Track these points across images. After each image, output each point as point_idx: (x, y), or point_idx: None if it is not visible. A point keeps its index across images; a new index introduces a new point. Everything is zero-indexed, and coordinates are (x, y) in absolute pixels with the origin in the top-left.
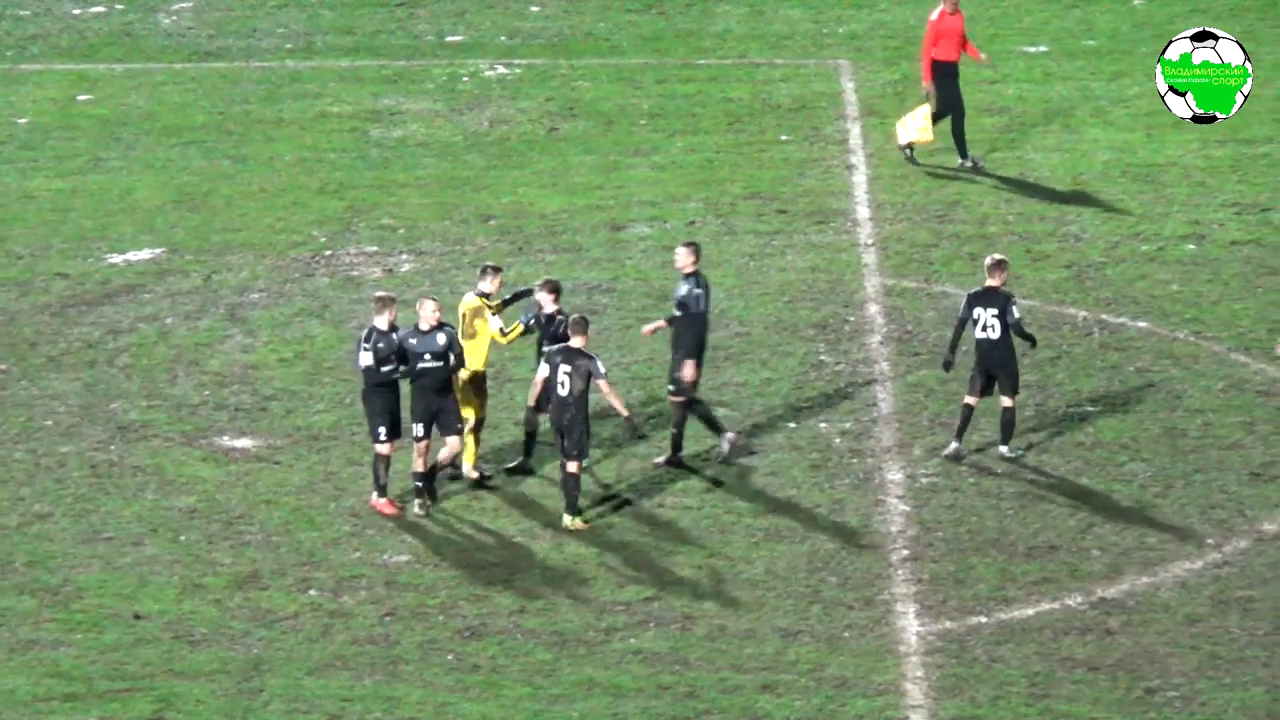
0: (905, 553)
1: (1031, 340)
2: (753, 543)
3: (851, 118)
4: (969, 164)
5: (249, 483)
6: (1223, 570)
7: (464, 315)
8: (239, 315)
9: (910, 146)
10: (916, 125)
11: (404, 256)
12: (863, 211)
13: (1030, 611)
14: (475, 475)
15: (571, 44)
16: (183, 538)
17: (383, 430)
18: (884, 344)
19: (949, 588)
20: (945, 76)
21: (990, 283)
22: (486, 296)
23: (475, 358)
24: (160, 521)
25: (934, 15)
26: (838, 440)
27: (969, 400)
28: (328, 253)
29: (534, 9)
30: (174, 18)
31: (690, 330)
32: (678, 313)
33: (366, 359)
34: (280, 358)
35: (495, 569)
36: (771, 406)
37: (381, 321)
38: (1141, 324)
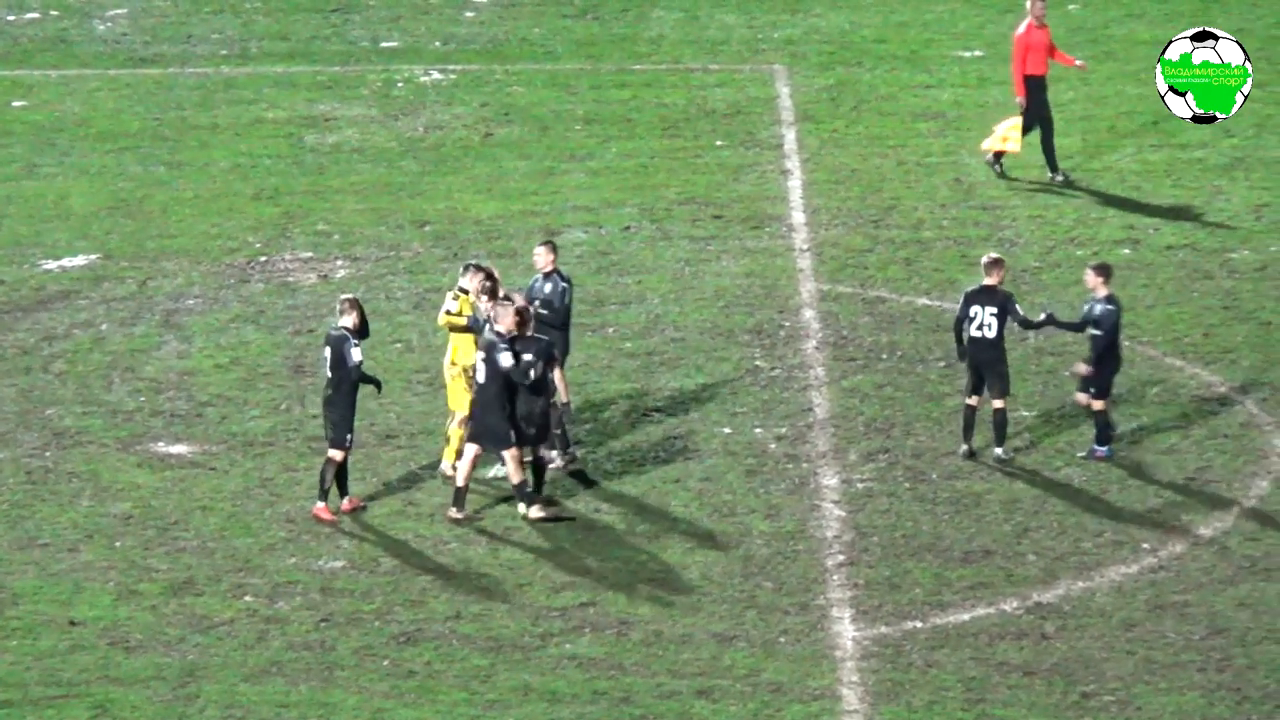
0: (841, 558)
1: (1052, 323)
2: (688, 548)
3: (787, 123)
4: (1059, 178)
5: (184, 489)
6: (1158, 575)
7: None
8: (174, 321)
9: (999, 157)
10: (1005, 135)
11: (339, 262)
12: (798, 217)
13: (966, 616)
14: (452, 473)
15: (506, 49)
16: (118, 544)
17: (349, 436)
18: (819, 349)
19: (884, 593)
20: (1034, 90)
21: (987, 281)
22: (465, 292)
23: (466, 353)
24: (96, 528)
25: (1020, 29)
26: (773, 445)
27: (968, 401)
28: (263, 259)
29: (468, 15)
30: (109, 24)
31: (555, 327)
32: (544, 311)
33: (358, 355)
34: (216, 364)
35: (431, 574)
36: (706, 412)
37: (347, 321)
38: None
